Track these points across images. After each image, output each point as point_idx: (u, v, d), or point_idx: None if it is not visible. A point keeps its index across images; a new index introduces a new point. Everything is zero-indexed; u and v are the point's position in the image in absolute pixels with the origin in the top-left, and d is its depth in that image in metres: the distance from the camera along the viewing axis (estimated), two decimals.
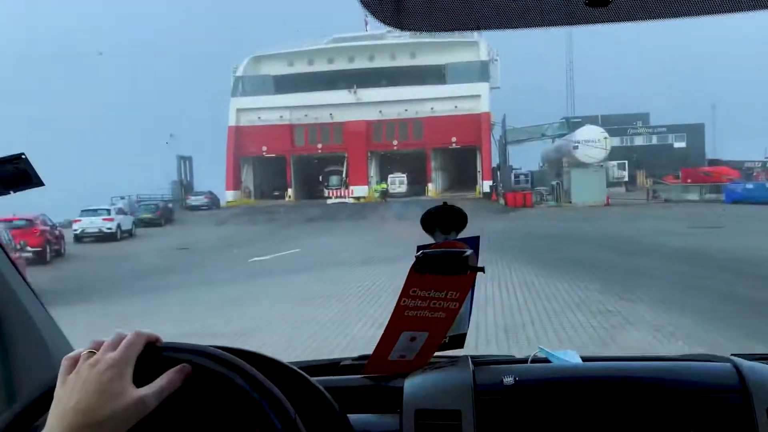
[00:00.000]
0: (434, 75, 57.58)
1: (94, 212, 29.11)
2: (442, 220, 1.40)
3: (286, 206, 47.85)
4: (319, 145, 58.96)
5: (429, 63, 57.65)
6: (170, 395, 0.82)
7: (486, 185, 54.65)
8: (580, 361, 1.32)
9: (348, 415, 1.10)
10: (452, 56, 57.34)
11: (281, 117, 58.40)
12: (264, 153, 58.91)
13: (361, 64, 59.53)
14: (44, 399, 0.83)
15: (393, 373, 1.32)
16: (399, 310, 1.25)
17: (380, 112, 57.29)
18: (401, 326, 1.27)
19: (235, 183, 57.78)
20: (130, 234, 31.29)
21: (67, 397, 0.78)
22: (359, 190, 55.16)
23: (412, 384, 1.21)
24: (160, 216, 37.31)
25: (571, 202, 38.16)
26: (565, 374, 1.23)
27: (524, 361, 1.34)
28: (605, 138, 55.95)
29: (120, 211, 31.82)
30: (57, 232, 21.47)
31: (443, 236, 1.37)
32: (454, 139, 56.61)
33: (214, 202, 49.77)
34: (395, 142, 58.08)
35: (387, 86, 56.43)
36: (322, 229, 28.22)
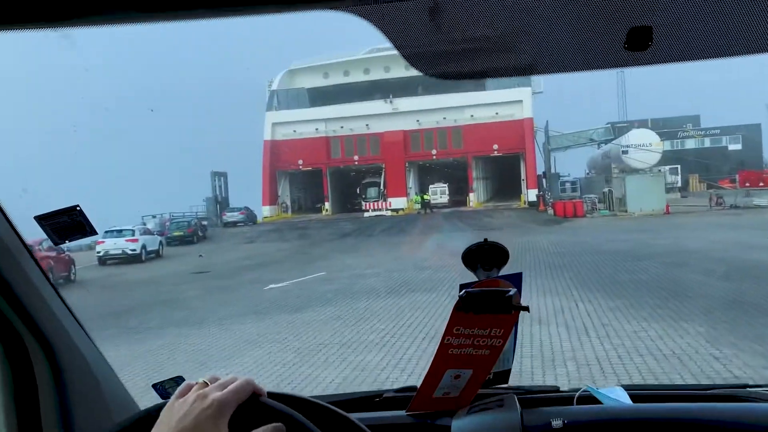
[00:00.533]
0: (473, 81, 54.67)
1: (119, 233, 27.41)
2: (484, 256, 1.35)
3: (322, 221, 45.74)
4: (356, 157, 56.81)
5: None
6: None
7: (531, 194, 51.48)
8: (627, 398, 1.29)
9: None
10: None
11: (317, 129, 56.55)
12: (300, 166, 57.11)
13: (397, 73, 57.22)
14: (145, 420, 0.87)
15: (438, 410, 1.29)
16: (443, 348, 1.23)
17: (418, 121, 54.83)
18: (445, 364, 1.25)
19: (272, 198, 56.08)
20: (157, 254, 29.68)
21: (168, 421, 0.81)
22: (397, 202, 52.69)
23: (460, 426, 1.18)
24: (192, 233, 36.06)
25: (626, 211, 34.79)
26: (615, 416, 1.18)
27: (571, 398, 1.31)
28: (658, 141, 52.30)
29: (146, 231, 30.12)
30: (65, 257, 19.66)
31: (485, 273, 1.33)
32: (495, 146, 53.66)
33: (250, 218, 48.03)
34: (434, 152, 55.48)
35: (424, 95, 53.77)
36: (355, 246, 25.79)
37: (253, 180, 56.95)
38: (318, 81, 57.94)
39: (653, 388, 1.53)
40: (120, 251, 26.90)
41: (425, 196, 49.53)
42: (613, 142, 53.96)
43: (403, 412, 1.33)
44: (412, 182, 55.93)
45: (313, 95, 57.72)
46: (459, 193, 56.76)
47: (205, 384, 0.85)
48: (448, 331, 1.21)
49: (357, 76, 58.41)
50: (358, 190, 57.55)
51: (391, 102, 55.26)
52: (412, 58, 0.95)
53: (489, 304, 1.16)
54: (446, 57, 0.99)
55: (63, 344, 1.28)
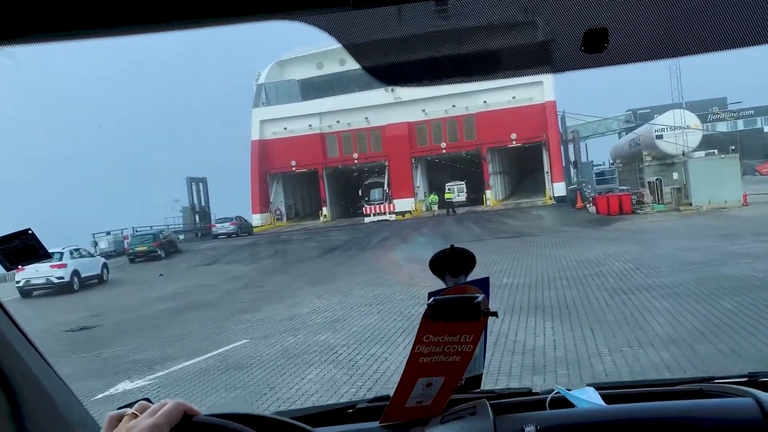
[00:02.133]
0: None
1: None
2: (451, 263, 1.31)
3: (315, 229, 38.04)
4: (355, 155, 49.00)
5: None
6: None
7: (558, 188, 43.37)
8: (599, 399, 1.29)
9: None
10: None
11: (310, 126, 48.85)
12: (293, 168, 49.46)
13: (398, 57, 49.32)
14: None
15: (411, 419, 1.27)
16: (414, 357, 1.20)
17: (424, 111, 46.89)
18: (417, 373, 1.22)
19: (263, 204, 48.47)
20: (100, 280, 23.21)
21: None
22: (403, 204, 44.75)
23: None
24: (158, 247, 30.14)
25: (690, 204, 26.68)
26: (587, 419, 1.16)
27: (543, 401, 1.30)
28: (697, 122, 43.58)
29: (75, 253, 22.64)
30: None
31: (453, 280, 1.29)
32: (513, 135, 45.58)
33: (243, 228, 40.57)
34: (443, 145, 47.49)
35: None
36: (333, 272, 18.05)
37: (239, 185, 49.65)
38: (311, 72, 50.16)
39: (623, 386, 1.40)
40: (44, 280, 20.81)
41: (447, 195, 41.51)
42: (641, 128, 45.85)
43: (376, 424, 1.30)
44: (419, 180, 48.00)
45: (305, 87, 49.97)
46: (473, 191, 48.83)
47: (135, 415, 0.82)
48: (418, 340, 1.17)
49: (354, 64, 50.23)
50: (360, 192, 49.86)
51: (392, 91, 47.18)
52: (370, 68, 0.92)
53: (458, 310, 1.13)
54: (403, 71, 0.95)
55: (18, 370, 1.21)
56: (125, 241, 34.03)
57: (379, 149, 48.32)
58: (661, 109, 55.20)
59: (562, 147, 45.24)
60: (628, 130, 51.42)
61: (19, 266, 1.21)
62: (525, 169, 54.43)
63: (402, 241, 24.70)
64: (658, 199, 30.05)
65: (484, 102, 45.69)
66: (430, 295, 1.17)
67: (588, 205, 30.17)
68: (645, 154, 42.35)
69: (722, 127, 69.14)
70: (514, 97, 45.49)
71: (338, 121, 48.50)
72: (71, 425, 1.26)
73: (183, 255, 31.42)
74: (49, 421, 1.24)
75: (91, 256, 24.69)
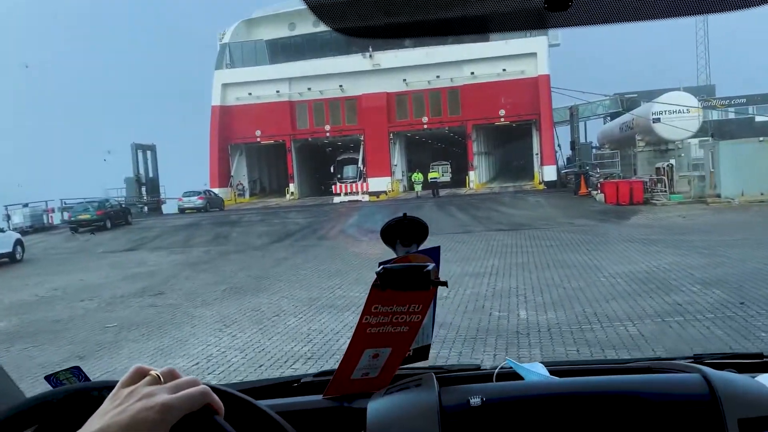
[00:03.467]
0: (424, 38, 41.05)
1: None
2: (403, 232, 1.24)
3: (279, 208, 32.73)
4: (327, 127, 43.46)
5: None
6: None
7: (548, 171, 38.62)
8: (547, 374, 1.25)
9: None
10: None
11: (278, 92, 43.10)
12: (258, 139, 43.79)
13: (377, 20, 43.63)
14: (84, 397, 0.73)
15: (356, 392, 1.22)
16: (361, 327, 1.15)
17: (404, 81, 41.47)
18: (364, 344, 1.17)
19: (222, 178, 42.82)
20: (12, 259, 18.97)
21: (102, 414, 0.66)
22: (378, 183, 39.47)
23: (375, 407, 1.10)
24: (104, 216, 26.56)
25: (719, 196, 21.98)
26: (533, 391, 1.13)
27: (490, 375, 1.26)
28: (696, 106, 38.70)
29: None
30: None
31: (404, 249, 1.22)
32: (502, 112, 40.47)
33: (213, 203, 35.06)
34: (425, 120, 42.17)
35: (412, 47, 40.25)
36: (276, 270, 12.93)
37: (196, 156, 44.06)
38: (282, 32, 44.27)
39: (573, 364, 1.39)
40: None
41: (432, 174, 36.31)
42: (637, 110, 41.18)
43: (319, 397, 1.24)
44: (397, 158, 42.74)
45: (273, 49, 44.11)
46: (456, 172, 43.87)
47: (158, 378, 0.69)
48: (366, 310, 1.12)
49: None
50: (332, 168, 44.52)
51: (371, 57, 41.80)
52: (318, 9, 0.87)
53: (407, 280, 1.09)
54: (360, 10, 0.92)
55: None
56: (48, 215, 28.39)
57: (354, 122, 42.91)
58: (649, 95, 50.43)
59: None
60: (614, 115, 47.07)
61: None
62: (511, 150, 49.54)
63: (370, 231, 19.61)
64: (668, 188, 25.41)
65: (472, 73, 40.46)
66: (380, 264, 1.10)
67: (595, 193, 25.30)
68: (638, 139, 37.55)
69: (714, 115, 65.33)
70: (504, 70, 40.33)
71: (309, 89, 42.88)
72: None
73: (129, 228, 26.38)
74: None
75: (1, 231, 20.14)
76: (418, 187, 35.54)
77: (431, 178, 35.24)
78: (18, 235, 20.68)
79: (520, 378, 1.24)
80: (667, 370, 1.21)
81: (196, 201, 33.73)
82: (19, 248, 19.71)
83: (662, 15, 0.91)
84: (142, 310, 9.88)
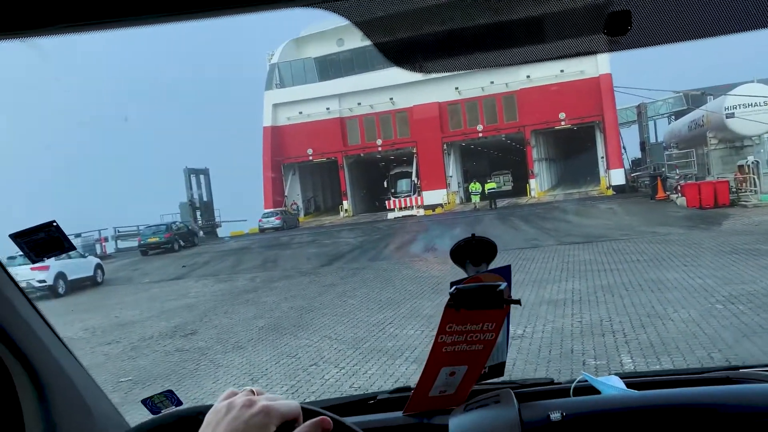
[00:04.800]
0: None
1: (24, 258, 15.00)
2: (472, 252, 1.24)
3: (326, 228, 31.57)
4: (379, 141, 42.17)
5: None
6: None
7: (615, 175, 35.93)
8: (624, 387, 1.22)
9: None
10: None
11: (328, 109, 42.23)
12: (310, 157, 43.00)
13: (430, 29, 42.10)
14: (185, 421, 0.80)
15: (435, 408, 1.22)
16: (437, 347, 1.16)
17: (457, 89, 39.78)
18: (440, 363, 1.18)
19: (276, 199, 42.17)
20: (93, 282, 19.93)
21: (214, 425, 0.73)
22: (433, 196, 37.76)
23: (457, 423, 1.10)
24: (171, 239, 27.55)
25: None
26: (612, 405, 1.11)
27: (567, 389, 1.24)
28: None
29: (67, 255, 17.50)
30: None
31: (474, 269, 1.23)
32: (562, 115, 38.08)
33: (289, 222, 35.36)
34: (480, 128, 40.23)
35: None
36: (323, 299, 11.45)
37: (250, 178, 43.62)
38: (330, 49, 43.42)
39: (648, 375, 1.33)
40: (24, 284, 14.08)
41: (489, 184, 34.29)
42: (707, 105, 37.82)
43: (399, 413, 1.25)
44: (452, 169, 40.93)
45: (322, 66, 43.32)
46: (515, 180, 41.67)
47: (252, 392, 0.77)
48: (441, 329, 1.14)
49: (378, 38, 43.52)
50: (385, 183, 43.13)
51: (420, 67, 40.20)
52: (390, 52, 0.87)
53: (480, 299, 1.10)
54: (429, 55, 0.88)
55: (45, 363, 1.17)
56: (101, 244, 28.14)
57: (406, 134, 41.46)
58: (716, 90, 46.62)
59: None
60: (678, 114, 43.71)
61: (45, 258, 1.14)
62: (573, 155, 46.81)
63: (426, 248, 17.94)
64: (758, 187, 22.57)
65: (528, 77, 38.30)
66: (452, 284, 1.11)
67: (675, 196, 22.75)
68: (710, 137, 34.33)
69: None
70: (562, 71, 37.95)
71: (359, 103, 41.80)
72: (96, 418, 1.21)
73: (194, 250, 26.34)
74: (75, 411, 1.18)
75: (83, 256, 21.07)
76: (475, 198, 33.52)
77: (488, 189, 33.23)
78: (98, 260, 21.57)
79: (597, 392, 1.21)
80: (746, 380, 1.15)
81: (275, 221, 34.37)
82: (99, 272, 20.61)
83: (723, 31, 0.88)
84: (166, 357, 8.56)
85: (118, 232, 29.86)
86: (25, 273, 17.20)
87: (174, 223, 29.88)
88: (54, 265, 18.16)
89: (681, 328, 6.72)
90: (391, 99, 41.10)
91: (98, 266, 20.74)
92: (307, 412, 0.80)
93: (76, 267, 19.37)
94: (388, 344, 7.59)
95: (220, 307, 12.34)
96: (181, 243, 27.89)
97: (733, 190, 22.49)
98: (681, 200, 21.53)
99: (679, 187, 22.70)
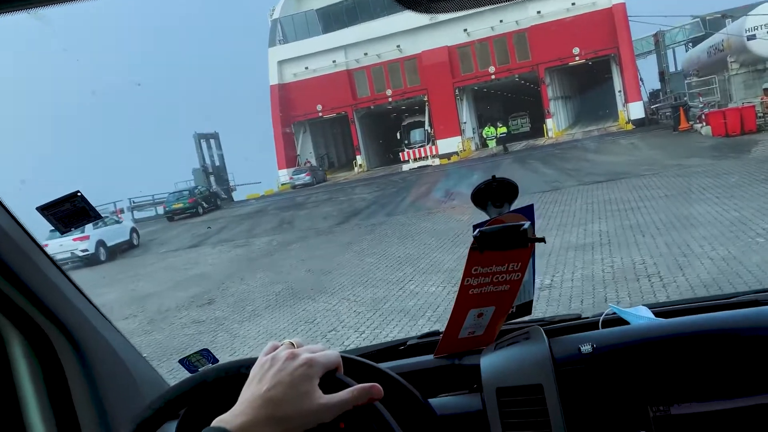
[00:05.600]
0: None
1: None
2: (493, 193, 1.24)
3: (347, 183, 31.14)
4: (389, 92, 41.16)
5: None
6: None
7: (634, 109, 34.72)
8: (652, 316, 1.22)
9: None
10: None
11: (334, 62, 41.16)
12: (320, 113, 42.23)
13: None
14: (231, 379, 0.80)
15: (465, 350, 1.24)
16: (463, 290, 1.17)
17: (466, 31, 38.35)
18: (467, 305, 1.19)
19: (289, 158, 41.70)
20: (130, 245, 21.31)
21: (259, 379, 0.73)
22: (448, 144, 36.98)
23: (488, 362, 1.13)
24: (195, 203, 28.18)
25: None
26: (641, 336, 1.11)
27: (596, 322, 1.24)
28: None
29: (100, 222, 20.45)
30: None
31: (497, 210, 1.22)
32: (576, 50, 36.61)
33: (318, 177, 36.68)
34: (492, 69, 38.94)
35: None
36: (342, 258, 11.13)
37: (261, 139, 43.04)
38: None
39: (676, 303, 1.33)
40: (69, 254, 18.53)
41: (501, 129, 33.50)
42: (726, 29, 35.97)
43: (430, 357, 1.26)
44: (466, 115, 39.90)
45: (325, 17, 41.99)
46: (532, 121, 40.66)
47: (292, 345, 0.78)
48: (466, 272, 1.14)
49: None
50: (398, 134, 42.32)
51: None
52: None
53: (504, 239, 1.09)
54: None
55: (87, 333, 1.20)
56: (117, 216, 28.16)
57: (416, 82, 40.37)
58: (735, 12, 44.40)
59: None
60: (696, 40, 41.75)
61: (72, 228, 1.20)
62: (590, 91, 45.36)
63: (444, 198, 17.46)
64: None
65: (538, 12, 36.76)
66: (475, 227, 1.11)
67: (699, 126, 21.78)
68: (731, 61, 32.79)
69: None
70: (573, 4, 36.40)
71: (366, 54, 40.64)
72: (138, 381, 1.24)
73: (217, 214, 26.82)
74: (117, 374, 1.22)
75: (118, 222, 22.43)
76: (491, 143, 32.62)
77: (500, 134, 32.40)
78: (132, 224, 23.09)
79: (626, 323, 1.21)
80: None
81: (305, 178, 35.54)
82: (135, 235, 21.87)
83: None
84: (183, 329, 8.34)
85: (134, 202, 29.76)
86: (69, 244, 18.79)
87: (196, 188, 30.47)
88: (93, 233, 19.37)
89: (722, 267, 6.23)
90: (398, 46, 39.87)
91: (133, 230, 22.12)
92: (347, 361, 0.82)
93: (113, 233, 20.64)
94: (409, 303, 7.24)
95: (236, 273, 12.09)
96: (204, 206, 28.68)
97: (760, 114, 21.47)
98: (706, 129, 20.61)
99: (703, 116, 21.69)
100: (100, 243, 19.70)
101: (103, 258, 19.63)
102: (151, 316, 9.64)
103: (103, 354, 1.21)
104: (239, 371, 0.78)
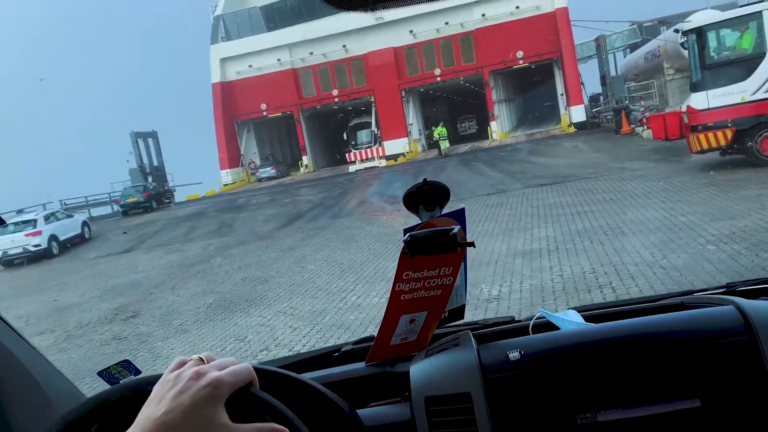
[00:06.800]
0: None
1: (16, 226, 19.17)
2: (425, 197, 1.24)
3: (292, 184, 30.29)
4: (335, 92, 40.46)
5: None
6: None
7: (576, 112, 35.20)
8: (582, 320, 1.24)
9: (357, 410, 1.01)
10: None
11: (279, 61, 40.15)
12: (264, 113, 41.13)
13: None
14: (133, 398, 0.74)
15: (397, 356, 1.23)
16: (395, 296, 1.15)
17: (411, 32, 38.08)
18: (399, 311, 1.18)
19: (232, 159, 40.42)
20: (82, 239, 21.46)
21: (159, 400, 0.66)
22: (395, 146, 36.61)
23: (417, 370, 1.12)
24: (149, 198, 28.33)
25: None
26: (570, 341, 1.11)
27: (526, 327, 1.25)
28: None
29: (51, 218, 20.71)
30: None
31: (428, 214, 1.23)
32: (520, 53, 36.91)
33: (282, 172, 38.30)
34: (438, 71, 38.82)
35: None
36: (279, 265, 10.46)
37: (203, 139, 41.63)
38: None
39: (604, 306, 1.35)
40: (21, 249, 18.83)
41: (439, 129, 33.02)
42: (663, 35, 37.16)
43: (362, 364, 1.24)
44: (412, 117, 39.67)
45: (269, 15, 40.88)
46: (478, 123, 40.86)
47: (201, 360, 0.71)
48: (397, 277, 1.13)
49: None
50: (345, 135, 41.66)
51: (372, 10, 38.25)
52: None
53: (434, 244, 1.09)
54: None
55: None
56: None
57: (362, 83, 39.81)
58: (671, 20, 46.01)
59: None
60: (633, 46, 42.98)
61: None
62: (533, 94, 45.99)
63: (390, 200, 16.99)
64: None
65: (483, 15, 36.89)
66: (405, 231, 1.11)
67: (641, 129, 22.13)
68: (667, 67, 33.81)
69: None
70: (517, 7, 36.67)
71: (311, 53, 39.81)
72: (52, 397, 1.17)
73: (151, 216, 25.69)
74: (29, 393, 1.15)
75: (69, 216, 22.30)
76: (444, 143, 32.00)
77: (440, 135, 32.10)
78: (84, 218, 23.49)
79: (556, 328, 1.21)
80: (699, 305, 1.17)
81: (270, 171, 37.12)
82: (86, 228, 22.14)
83: None
84: (100, 348, 7.50)
85: (65, 204, 28.01)
86: (21, 239, 18.72)
87: (147, 183, 30.62)
88: (45, 228, 19.32)
89: (676, 277, 5.95)
90: (344, 46, 39.22)
91: (84, 223, 22.30)
92: (264, 374, 0.77)
93: (65, 228, 20.64)
94: (350, 317, 6.67)
95: (167, 282, 11.24)
96: (154, 204, 28.49)
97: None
98: (647, 133, 20.92)
99: (644, 120, 22.05)
100: (53, 237, 19.67)
101: (55, 252, 19.51)
102: (69, 331, 8.73)
103: (12, 370, 1.12)
104: (147, 389, 0.70)
